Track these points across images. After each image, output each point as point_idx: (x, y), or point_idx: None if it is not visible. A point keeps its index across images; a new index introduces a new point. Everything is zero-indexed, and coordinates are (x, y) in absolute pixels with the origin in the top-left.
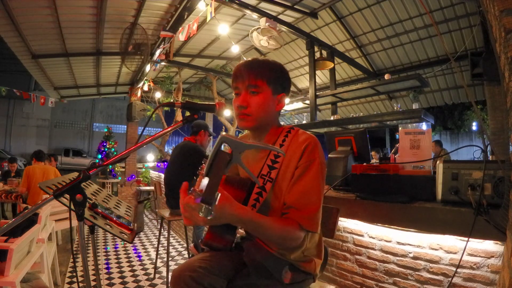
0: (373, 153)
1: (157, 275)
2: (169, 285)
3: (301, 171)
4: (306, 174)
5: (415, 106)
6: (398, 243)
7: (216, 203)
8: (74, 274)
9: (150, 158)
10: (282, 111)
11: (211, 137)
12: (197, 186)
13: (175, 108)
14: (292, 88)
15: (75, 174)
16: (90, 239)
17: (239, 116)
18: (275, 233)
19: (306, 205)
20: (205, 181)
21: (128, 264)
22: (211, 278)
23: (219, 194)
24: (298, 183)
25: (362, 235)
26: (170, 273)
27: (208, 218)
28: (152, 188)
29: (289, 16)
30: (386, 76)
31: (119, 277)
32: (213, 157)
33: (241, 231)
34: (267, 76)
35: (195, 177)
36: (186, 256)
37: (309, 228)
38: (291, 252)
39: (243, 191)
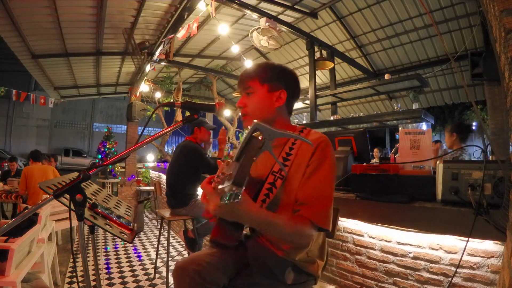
0: (375, 150)
1: (157, 275)
2: (170, 276)
3: (313, 169)
4: (317, 172)
5: (415, 106)
6: (398, 243)
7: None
8: (74, 274)
9: (150, 158)
10: None
11: (211, 130)
12: (224, 171)
13: (175, 108)
14: None
15: (75, 174)
16: (90, 239)
17: (241, 117)
18: (287, 231)
19: (317, 202)
20: (234, 165)
21: (128, 264)
22: (215, 274)
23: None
24: (310, 180)
25: (362, 235)
26: (170, 273)
27: (233, 201)
28: (152, 188)
29: (289, 16)
30: (386, 76)
31: (119, 277)
32: (245, 143)
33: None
34: (259, 75)
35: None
36: (186, 256)
37: (321, 225)
38: (299, 251)
39: (253, 189)
